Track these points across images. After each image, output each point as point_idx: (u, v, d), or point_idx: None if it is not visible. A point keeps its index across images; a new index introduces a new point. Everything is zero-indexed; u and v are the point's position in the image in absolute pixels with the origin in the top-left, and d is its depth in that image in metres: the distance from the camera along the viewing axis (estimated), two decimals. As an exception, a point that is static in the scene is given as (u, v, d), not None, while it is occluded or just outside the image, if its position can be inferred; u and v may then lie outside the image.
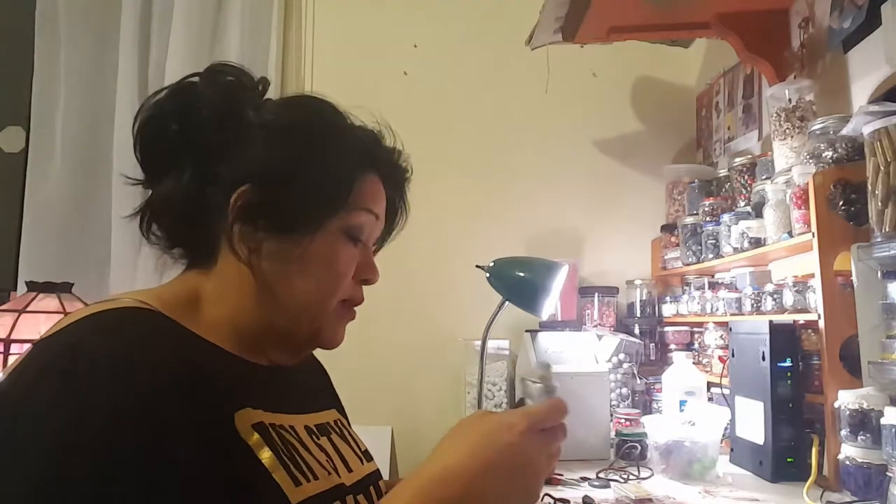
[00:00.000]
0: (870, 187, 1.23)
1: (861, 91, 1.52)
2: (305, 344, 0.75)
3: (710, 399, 1.84)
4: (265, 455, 0.62)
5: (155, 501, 0.52)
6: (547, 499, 1.31)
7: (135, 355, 0.57)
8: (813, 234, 1.39)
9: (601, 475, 1.51)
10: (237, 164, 0.68)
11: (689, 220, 2.06)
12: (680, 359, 1.89)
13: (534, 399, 0.75)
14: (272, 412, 0.67)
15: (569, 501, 1.31)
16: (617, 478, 1.50)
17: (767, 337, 1.45)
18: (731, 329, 1.66)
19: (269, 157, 0.69)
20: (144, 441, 0.53)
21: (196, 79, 0.72)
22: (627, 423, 1.71)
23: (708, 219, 1.96)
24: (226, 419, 0.61)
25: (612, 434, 1.74)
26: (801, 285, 1.49)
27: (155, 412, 0.55)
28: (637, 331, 2.22)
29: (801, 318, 1.47)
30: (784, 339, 1.45)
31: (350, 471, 0.75)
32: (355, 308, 0.77)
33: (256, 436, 0.62)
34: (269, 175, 0.68)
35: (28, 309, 1.72)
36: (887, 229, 1.18)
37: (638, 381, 2.08)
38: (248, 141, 0.69)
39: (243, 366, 0.69)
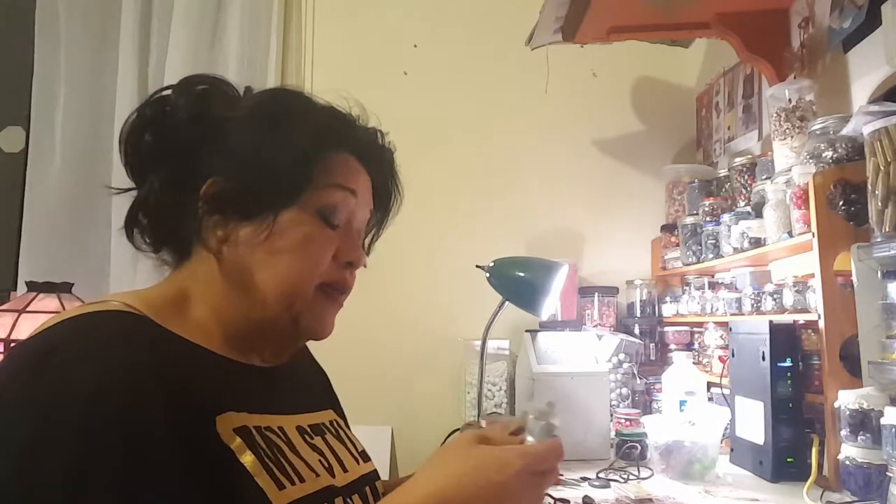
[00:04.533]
0: (870, 187, 1.23)
1: (861, 91, 1.52)
2: (290, 335, 0.73)
3: (710, 399, 1.84)
4: (247, 459, 0.61)
5: None
6: (547, 499, 1.31)
7: (109, 358, 0.56)
8: (813, 234, 1.39)
9: (601, 475, 1.51)
10: (205, 160, 0.69)
11: (689, 220, 2.06)
12: (680, 359, 1.88)
13: (534, 436, 0.72)
14: (259, 413, 0.66)
15: (569, 501, 1.31)
16: (617, 478, 1.51)
17: (767, 337, 1.45)
18: (731, 329, 1.66)
19: (231, 146, 0.70)
20: (117, 446, 0.52)
21: (168, 91, 0.73)
22: (627, 423, 1.71)
23: (708, 219, 1.96)
24: (206, 424, 0.60)
25: (612, 434, 1.74)
26: (801, 285, 1.49)
27: (129, 417, 0.54)
28: (637, 331, 2.22)
29: (801, 318, 1.47)
30: (784, 339, 1.45)
31: (346, 471, 0.74)
32: (344, 296, 0.75)
33: (238, 440, 0.61)
34: (232, 163, 0.69)
35: (28, 309, 1.72)
36: (887, 229, 1.18)
37: (638, 381, 2.08)
38: (216, 137, 0.70)
39: (229, 367, 0.69)
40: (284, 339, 0.74)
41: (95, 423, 0.52)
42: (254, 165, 0.69)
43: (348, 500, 0.72)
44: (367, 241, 0.83)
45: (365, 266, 0.77)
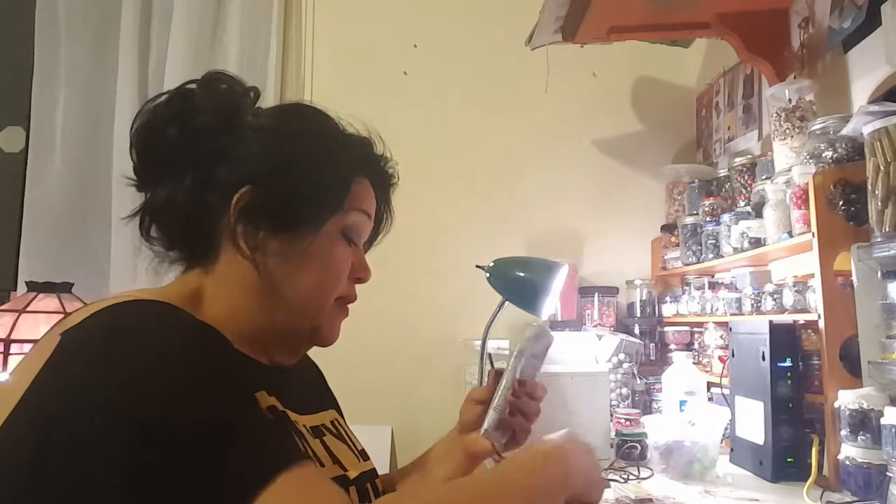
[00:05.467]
0: (870, 187, 1.23)
1: (861, 91, 1.52)
2: (305, 341, 0.77)
3: (710, 399, 1.84)
4: None
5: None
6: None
7: (168, 331, 0.59)
8: (813, 234, 1.39)
9: (601, 475, 1.51)
10: (237, 166, 0.70)
11: (689, 220, 2.06)
12: (680, 359, 1.88)
13: (528, 341, 0.97)
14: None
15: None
16: (617, 478, 1.50)
17: (767, 337, 1.44)
18: (731, 329, 1.66)
19: (269, 160, 0.71)
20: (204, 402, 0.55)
21: (194, 86, 0.73)
22: (627, 423, 1.71)
23: (708, 219, 1.96)
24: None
25: (612, 434, 1.74)
26: (801, 285, 1.49)
27: (212, 385, 0.56)
28: (637, 331, 2.22)
29: (801, 318, 1.47)
30: (784, 339, 1.45)
31: (345, 470, 0.75)
32: (349, 306, 0.80)
33: (270, 416, 0.65)
34: (270, 176, 0.70)
35: (28, 309, 1.72)
36: (887, 229, 1.17)
37: (638, 381, 2.07)
38: (246, 144, 0.71)
39: (248, 360, 0.71)
40: (299, 344, 0.77)
41: (189, 385, 0.55)
42: (295, 183, 0.71)
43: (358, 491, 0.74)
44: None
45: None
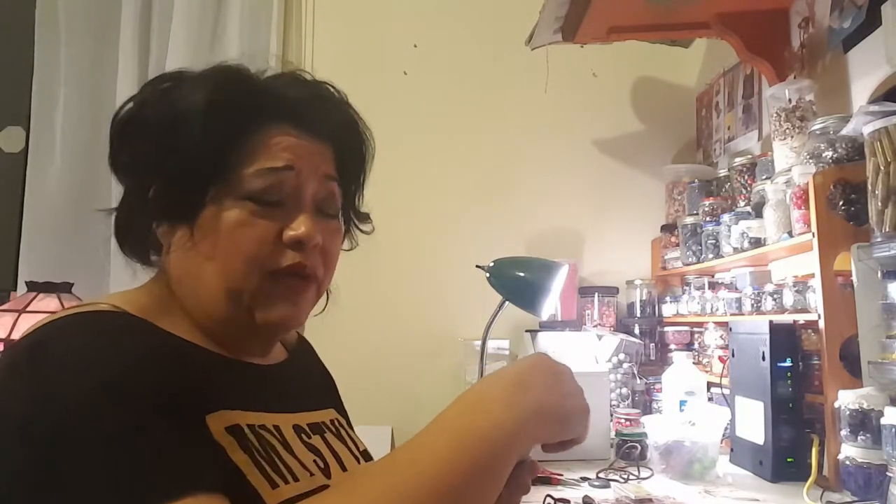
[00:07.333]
0: (870, 187, 1.23)
1: (861, 91, 1.52)
2: (252, 329, 0.69)
3: (710, 399, 1.84)
4: (239, 458, 0.60)
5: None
6: (547, 499, 1.31)
7: (101, 352, 0.56)
8: (813, 234, 1.39)
9: (601, 475, 1.51)
10: (141, 163, 0.70)
11: (689, 220, 2.06)
12: (680, 359, 1.88)
13: None
14: (254, 411, 0.66)
15: (569, 501, 1.31)
16: (617, 478, 1.50)
17: (767, 337, 1.45)
18: (731, 329, 1.66)
19: (154, 151, 0.68)
20: (106, 429, 0.52)
21: (130, 104, 0.73)
22: (627, 423, 1.71)
23: (708, 219, 1.96)
24: (198, 420, 0.59)
25: (612, 434, 1.74)
26: (801, 285, 1.49)
27: (118, 400, 0.53)
28: (637, 331, 2.22)
29: (801, 318, 1.47)
30: (784, 339, 1.45)
31: (345, 470, 0.74)
32: (305, 281, 0.70)
33: (230, 438, 0.61)
34: (156, 169, 0.68)
35: (28, 309, 1.72)
36: (887, 229, 1.18)
37: (638, 381, 2.08)
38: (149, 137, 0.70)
39: (223, 364, 0.68)
40: (249, 333, 0.71)
41: (83, 406, 0.52)
42: (168, 165, 0.67)
43: None
44: (355, 201, 0.80)
45: (318, 243, 0.69)
